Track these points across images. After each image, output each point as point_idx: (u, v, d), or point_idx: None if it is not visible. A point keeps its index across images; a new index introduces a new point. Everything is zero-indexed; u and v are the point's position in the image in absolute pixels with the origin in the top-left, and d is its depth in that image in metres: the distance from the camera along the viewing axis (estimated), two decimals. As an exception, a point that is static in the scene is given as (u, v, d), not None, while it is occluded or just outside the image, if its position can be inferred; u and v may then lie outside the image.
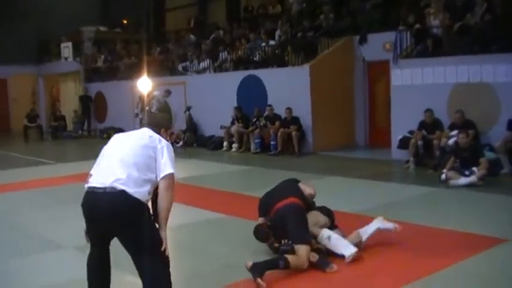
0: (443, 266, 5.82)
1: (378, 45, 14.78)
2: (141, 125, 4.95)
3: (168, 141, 4.71)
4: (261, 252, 6.38)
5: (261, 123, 16.01)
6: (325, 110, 15.40)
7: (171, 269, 4.46)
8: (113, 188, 4.28)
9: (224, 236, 7.31)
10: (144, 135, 4.65)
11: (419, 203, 9.10)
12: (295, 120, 15.22)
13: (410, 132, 12.48)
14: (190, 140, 18.37)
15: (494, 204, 8.77)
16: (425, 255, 6.20)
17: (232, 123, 16.99)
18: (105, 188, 4.30)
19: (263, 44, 17.87)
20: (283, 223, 6.07)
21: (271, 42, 17.86)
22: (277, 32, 18.01)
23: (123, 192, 4.25)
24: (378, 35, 14.93)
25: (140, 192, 4.31)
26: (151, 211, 4.48)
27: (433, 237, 7.00)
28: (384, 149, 14.17)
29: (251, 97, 16.90)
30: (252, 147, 16.29)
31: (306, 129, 15.39)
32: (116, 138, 4.77)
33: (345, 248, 6.10)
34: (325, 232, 6.25)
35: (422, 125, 12.18)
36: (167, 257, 4.41)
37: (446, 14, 12.92)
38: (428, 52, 12.98)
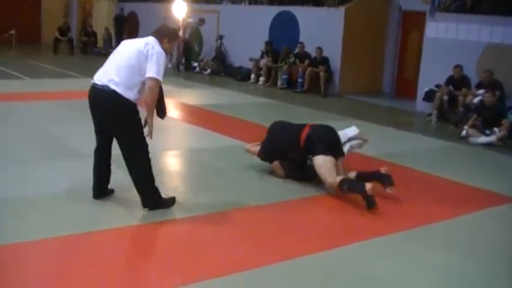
0: (448, 216, 6.04)
1: (416, -5, 14.68)
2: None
3: (166, 50, 5.41)
4: (270, 178, 6.67)
5: (291, 60, 16.08)
6: (355, 54, 15.41)
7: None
8: (107, 86, 5.15)
9: (240, 160, 7.54)
10: (142, 42, 5.32)
11: (436, 155, 9.25)
12: (325, 61, 15.28)
13: (437, 86, 12.53)
14: (218, 69, 18.51)
15: (510, 165, 8.92)
16: (432, 204, 6.43)
17: (262, 56, 17.07)
18: (102, 86, 5.19)
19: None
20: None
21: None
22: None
23: (114, 91, 5.12)
24: (418, -15, 14.80)
25: (130, 93, 5.17)
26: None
27: (444, 188, 7.22)
28: (409, 99, 14.24)
29: (283, 33, 16.92)
30: (279, 82, 16.42)
31: (334, 70, 15.46)
32: (122, 44, 5.55)
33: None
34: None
35: (449, 80, 12.21)
36: (147, 145, 5.37)
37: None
38: (466, 8, 12.89)
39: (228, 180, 6.84)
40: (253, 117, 11.17)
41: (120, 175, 5.87)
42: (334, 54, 15.35)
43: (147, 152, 5.39)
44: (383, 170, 6.64)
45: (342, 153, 6.72)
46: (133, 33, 23.83)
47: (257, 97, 14.50)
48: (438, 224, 5.80)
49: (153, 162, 6.18)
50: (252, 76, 17.26)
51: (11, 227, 5.02)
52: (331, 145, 6.59)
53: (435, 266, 4.75)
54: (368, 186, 5.98)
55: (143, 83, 5.20)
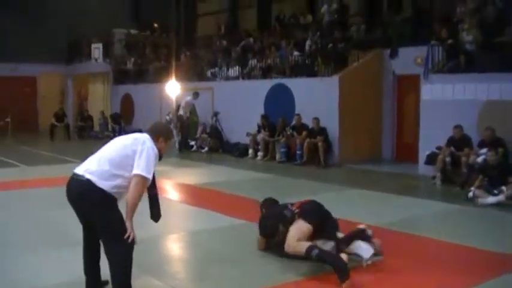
0: (466, 285, 5.69)
1: (408, 59, 14.65)
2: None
3: (161, 150, 5.10)
4: (285, 260, 6.34)
5: (288, 132, 15.95)
6: (353, 122, 15.31)
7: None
8: (82, 176, 4.88)
9: (245, 242, 7.21)
10: (131, 137, 5.09)
11: (445, 220, 8.98)
12: (322, 131, 15.14)
13: (438, 148, 12.33)
14: (215, 146, 18.37)
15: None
16: (447, 273, 6.09)
17: (259, 131, 16.95)
18: (77, 175, 4.93)
19: (295, 53, 17.78)
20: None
21: (296, 53, 17.79)
22: (308, 42, 17.92)
23: (88, 180, 4.82)
24: (409, 49, 14.80)
25: (105, 183, 4.82)
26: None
27: (457, 254, 6.90)
28: (410, 163, 14.03)
29: (279, 106, 16.85)
30: (278, 155, 16.23)
31: (333, 140, 15.29)
32: (112, 140, 5.26)
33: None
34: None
35: (450, 141, 12.02)
36: (131, 243, 4.80)
37: (479, 30, 12.78)
38: (460, 68, 12.83)
39: (229, 265, 6.47)
40: (252, 193, 10.90)
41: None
42: (332, 123, 15.23)
43: (127, 249, 4.85)
44: (363, 226, 6.46)
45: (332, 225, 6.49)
46: (129, 115, 23.94)
47: (256, 172, 14.27)
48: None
49: (152, 247, 5.92)
50: (250, 151, 17.09)
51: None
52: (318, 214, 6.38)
53: None
54: (344, 256, 5.72)
55: (122, 178, 4.88)
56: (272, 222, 6.52)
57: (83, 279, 5.37)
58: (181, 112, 19.10)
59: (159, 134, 5.17)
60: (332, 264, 5.68)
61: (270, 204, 7.27)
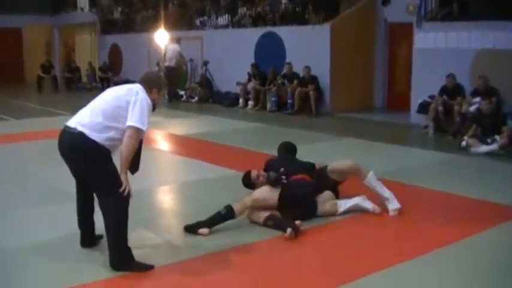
0: (460, 236, 5.64)
1: (401, 7, 14.41)
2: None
3: (155, 101, 4.99)
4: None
5: (279, 81, 15.79)
6: (344, 71, 15.15)
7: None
8: (74, 128, 4.74)
9: (237, 192, 7.10)
10: (124, 88, 4.96)
11: (439, 169, 8.94)
12: (314, 80, 14.98)
13: (431, 96, 12.22)
14: (205, 96, 18.20)
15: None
16: (441, 223, 6.04)
17: (249, 80, 16.77)
18: (69, 128, 4.79)
19: (284, 1, 17.49)
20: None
21: (285, 1, 17.48)
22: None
23: (80, 133, 4.68)
24: (402, -4, 14.59)
25: (98, 136, 4.68)
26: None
27: (451, 204, 6.85)
28: (402, 112, 13.94)
29: (269, 54, 16.65)
30: (268, 105, 16.10)
31: (324, 89, 15.17)
32: (105, 91, 5.11)
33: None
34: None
35: (443, 90, 11.91)
36: (126, 197, 4.70)
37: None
38: (454, 16, 12.64)
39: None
40: (245, 143, 10.84)
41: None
42: (323, 72, 15.06)
43: (122, 204, 4.73)
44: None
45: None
46: (117, 65, 23.64)
47: (247, 122, 14.16)
48: (450, 246, 5.40)
49: (143, 199, 5.83)
50: (241, 101, 16.93)
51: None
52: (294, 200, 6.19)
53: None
54: (297, 222, 5.70)
55: (115, 130, 4.75)
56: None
57: (76, 234, 5.31)
58: (167, 62, 18.79)
59: (152, 84, 5.02)
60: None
61: (281, 151, 7.25)
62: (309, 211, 6.19)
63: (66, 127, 4.85)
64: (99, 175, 4.76)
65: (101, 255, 5.02)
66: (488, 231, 5.78)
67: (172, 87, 18.50)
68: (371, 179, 6.40)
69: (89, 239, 5.26)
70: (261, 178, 6.39)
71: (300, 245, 5.44)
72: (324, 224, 6.04)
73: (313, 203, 6.23)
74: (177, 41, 19.05)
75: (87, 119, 4.76)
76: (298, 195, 6.17)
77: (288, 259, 5.10)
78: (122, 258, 4.76)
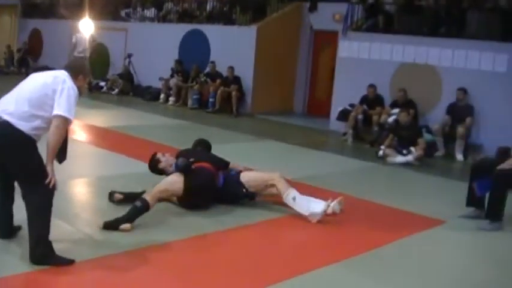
0: (380, 243, 5.79)
1: (327, 14, 14.68)
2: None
3: (81, 88, 4.87)
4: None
5: (202, 79, 15.74)
6: (267, 74, 15.25)
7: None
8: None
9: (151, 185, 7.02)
10: (50, 75, 4.78)
11: (356, 176, 9.11)
12: (237, 80, 15.03)
13: (351, 105, 12.47)
14: (126, 88, 17.93)
15: (430, 184, 8.91)
16: (361, 229, 6.19)
17: (172, 76, 16.64)
18: None
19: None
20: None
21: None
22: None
23: (5, 122, 4.50)
24: (329, 4, 14.82)
25: (24, 125, 4.51)
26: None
27: (371, 212, 7.00)
28: (322, 118, 14.18)
29: (194, 52, 16.58)
30: (190, 102, 16.02)
31: (246, 90, 15.23)
32: (29, 76, 4.95)
33: (316, 204, 6.26)
34: (291, 192, 6.30)
35: (364, 100, 12.20)
36: (51, 189, 4.59)
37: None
38: (379, 28, 12.96)
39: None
40: (164, 139, 10.73)
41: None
42: (246, 73, 15.13)
43: (46, 195, 4.61)
44: None
45: None
46: (37, 50, 22.97)
47: (168, 118, 14.06)
48: (371, 252, 5.53)
49: (61, 191, 5.67)
50: (162, 96, 16.79)
51: None
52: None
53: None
54: None
55: (42, 119, 4.60)
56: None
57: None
58: (76, 53, 18.26)
59: (78, 71, 4.90)
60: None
61: (195, 145, 7.42)
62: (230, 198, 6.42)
63: None
64: (24, 166, 4.62)
65: (18, 247, 4.85)
66: (400, 241, 5.94)
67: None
68: (288, 199, 6.34)
69: (7, 230, 5.06)
70: (168, 162, 6.72)
71: (221, 245, 5.43)
72: (245, 225, 6.06)
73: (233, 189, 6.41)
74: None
75: (12, 107, 4.58)
76: (199, 183, 6.24)
77: (207, 258, 5.08)
78: (43, 252, 4.58)
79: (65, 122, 4.60)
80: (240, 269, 4.92)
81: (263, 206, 6.66)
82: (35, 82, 4.76)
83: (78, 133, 11.21)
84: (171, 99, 16.48)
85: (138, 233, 5.52)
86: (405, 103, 11.33)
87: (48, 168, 4.56)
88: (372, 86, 12.07)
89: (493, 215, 6.44)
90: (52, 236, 4.68)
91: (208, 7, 17.50)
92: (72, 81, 4.74)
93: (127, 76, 18.14)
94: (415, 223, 6.60)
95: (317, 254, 5.42)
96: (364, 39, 12.95)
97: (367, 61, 12.80)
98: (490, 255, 5.86)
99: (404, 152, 10.08)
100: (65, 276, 4.50)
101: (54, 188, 4.60)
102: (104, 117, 13.45)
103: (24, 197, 4.64)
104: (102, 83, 18.66)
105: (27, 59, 22.13)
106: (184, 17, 17.83)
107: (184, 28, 17.15)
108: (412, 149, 10.05)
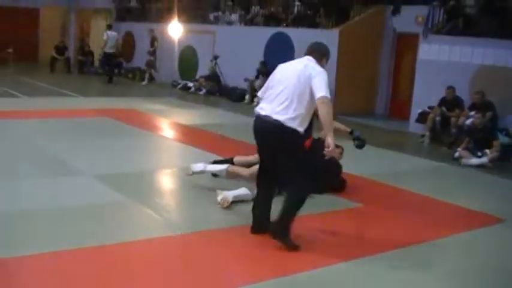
0: (438, 236, 6.07)
1: (409, 17, 14.79)
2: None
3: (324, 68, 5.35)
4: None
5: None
6: (350, 76, 15.47)
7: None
8: (269, 116, 5.16)
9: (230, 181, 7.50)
10: (301, 65, 5.32)
11: (429, 176, 9.30)
12: (319, 82, 15.31)
13: (430, 107, 12.60)
14: (213, 89, 18.57)
15: (501, 186, 8.98)
16: (424, 224, 6.47)
17: (257, 77, 17.14)
18: (265, 117, 5.20)
19: (297, 3, 17.88)
20: None
21: (298, 3, 17.87)
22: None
23: (277, 121, 5.10)
24: (411, 7, 14.92)
25: (291, 120, 5.10)
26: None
27: (436, 208, 7.25)
28: (402, 120, 14.33)
29: (278, 54, 16.99)
30: (273, 103, 16.41)
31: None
32: (280, 70, 5.49)
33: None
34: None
35: (442, 102, 12.28)
36: (311, 181, 5.35)
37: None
38: (459, 30, 13.01)
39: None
40: (247, 137, 11.16)
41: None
42: (329, 75, 15.33)
43: (307, 183, 5.33)
44: None
45: None
46: (129, 53, 23.98)
47: (252, 117, 14.46)
48: (428, 243, 5.83)
49: (147, 180, 6.24)
50: (247, 97, 17.32)
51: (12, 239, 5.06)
52: None
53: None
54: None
55: (306, 109, 5.16)
56: None
57: (92, 204, 5.75)
58: (107, 49, 20.39)
59: (323, 55, 5.51)
60: None
61: None
62: None
63: (262, 116, 5.26)
64: (293, 156, 5.21)
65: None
66: (463, 234, 6.22)
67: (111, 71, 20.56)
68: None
69: (262, 221, 5.59)
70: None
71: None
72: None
73: None
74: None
75: (278, 106, 5.16)
76: None
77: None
78: (284, 230, 5.25)
79: (328, 99, 5.10)
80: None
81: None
82: (291, 76, 5.25)
83: (165, 130, 11.90)
84: (256, 100, 16.91)
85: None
86: (482, 105, 11.34)
87: (330, 140, 5.00)
88: (450, 88, 12.13)
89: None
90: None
91: (294, 10, 17.90)
92: (318, 64, 5.33)
93: (214, 77, 18.80)
94: (476, 219, 6.84)
95: (372, 242, 5.77)
96: (444, 41, 13.03)
97: (447, 63, 12.87)
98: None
99: (479, 154, 10.18)
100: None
101: (313, 176, 5.42)
102: (189, 115, 14.07)
103: (287, 183, 5.33)
104: (191, 84, 19.42)
105: (121, 61, 23.17)
106: (270, 20, 18.31)
107: (269, 31, 17.64)
108: (487, 151, 10.14)
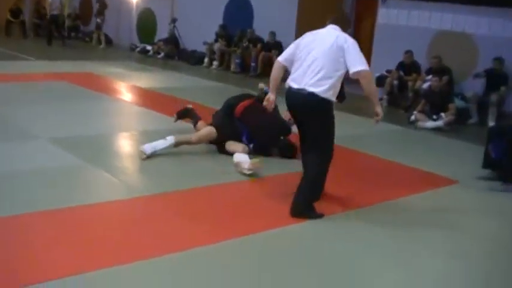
0: (392, 197, 6.21)
1: (368, -19, 14.83)
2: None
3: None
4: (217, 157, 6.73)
5: (244, 44, 16.10)
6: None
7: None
8: (304, 90, 5.15)
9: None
10: (332, 35, 5.28)
11: (385, 139, 9.44)
12: (278, 45, 15.34)
13: (388, 71, 12.71)
14: (171, 53, 18.40)
15: (456, 149, 9.14)
16: (378, 186, 6.59)
17: (216, 40, 17.05)
18: (299, 90, 5.19)
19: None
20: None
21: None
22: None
23: (312, 94, 5.10)
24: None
25: (326, 91, 5.13)
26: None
27: (392, 170, 7.38)
28: (359, 84, 14.35)
29: (237, 17, 16.92)
30: (232, 66, 16.44)
31: (287, 55, 15.45)
32: (308, 40, 5.41)
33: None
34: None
35: (400, 66, 12.42)
36: (331, 151, 5.43)
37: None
38: (417, -5, 13.10)
39: (177, 162, 6.85)
40: (206, 100, 11.15)
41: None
42: (288, 38, 15.33)
43: (331, 148, 5.42)
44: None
45: None
46: (88, 15, 23.50)
47: (210, 81, 14.48)
48: (381, 204, 5.95)
49: (105, 143, 6.18)
50: (206, 60, 17.23)
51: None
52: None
53: (376, 245, 4.90)
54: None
55: (336, 79, 5.18)
56: None
57: (47, 168, 5.73)
58: (53, 11, 20.43)
59: (348, 25, 5.65)
60: None
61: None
62: None
63: (293, 88, 5.25)
64: (324, 125, 5.34)
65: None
66: (419, 195, 6.36)
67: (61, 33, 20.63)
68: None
69: None
70: None
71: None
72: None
73: None
74: None
75: (311, 79, 5.15)
76: None
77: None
78: (308, 205, 5.33)
79: (368, 71, 5.25)
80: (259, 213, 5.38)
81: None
82: (321, 46, 5.24)
83: (124, 93, 11.78)
84: (215, 63, 16.91)
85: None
86: (439, 70, 11.49)
87: (378, 110, 5.38)
88: (408, 52, 12.25)
89: (506, 176, 6.72)
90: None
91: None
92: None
93: (172, 40, 18.61)
94: (430, 181, 6.97)
95: (333, 202, 5.83)
96: (403, 6, 13.09)
97: (405, 28, 12.96)
98: (495, 208, 6.22)
99: (435, 117, 10.32)
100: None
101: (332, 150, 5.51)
102: (148, 79, 13.96)
103: (314, 148, 5.41)
104: (149, 47, 19.21)
105: (78, 25, 22.78)
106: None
107: (229, -7, 17.51)
108: (442, 114, 10.28)
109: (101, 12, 21.48)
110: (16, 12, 22.89)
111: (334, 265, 4.45)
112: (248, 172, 6.42)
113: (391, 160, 7.76)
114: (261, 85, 7.94)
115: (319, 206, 5.47)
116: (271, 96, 5.55)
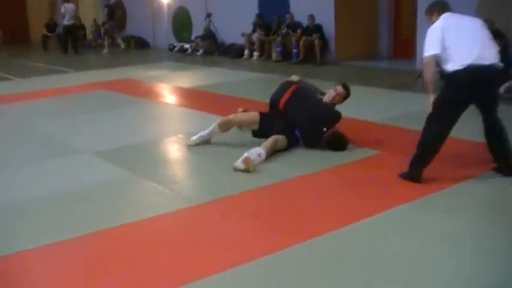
0: (459, 179, 5.74)
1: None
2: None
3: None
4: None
5: (283, 31, 15.73)
6: (349, 18, 15.01)
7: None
8: (494, 65, 5.41)
9: (244, 141, 7.16)
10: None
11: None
12: (318, 28, 14.92)
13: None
14: (210, 48, 18.14)
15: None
16: (444, 167, 6.07)
17: (254, 30, 16.72)
18: (480, 64, 5.30)
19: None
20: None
21: None
22: None
23: (491, 65, 5.39)
24: None
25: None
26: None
27: (455, 147, 6.88)
28: (407, 59, 13.89)
29: (272, 4, 16.54)
30: (274, 55, 16.08)
31: (329, 37, 15.09)
32: (454, 23, 5.65)
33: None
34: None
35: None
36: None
37: None
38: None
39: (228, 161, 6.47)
40: (251, 93, 10.84)
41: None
42: (327, 20, 14.96)
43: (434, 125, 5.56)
44: None
45: None
46: (122, 23, 23.48)
47: (253, 72, 14.16)
48: (450, 188, 5.51)
49: (151, 151, 5.91)
50: (246, 52, 16.91)
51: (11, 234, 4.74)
52: None
53: (450, 235, 4.48)
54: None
55: None
56: None
57: (96, 184, 5.52)
58: (66, 21, 20.35)
59: (433, 10, 6.02)
60: None
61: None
62: None
63: (484, 65, 5.31)
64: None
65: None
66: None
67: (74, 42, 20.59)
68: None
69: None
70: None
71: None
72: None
73: None
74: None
75: (487, 52, 5.39)
76: None
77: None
78: (411, 165, 5.60)
79: (427, 59, 5.48)
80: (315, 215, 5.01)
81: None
82: (473, 26, 5.61)
83: (166, 95, 11.55)
84: (255, 54, 16.59)
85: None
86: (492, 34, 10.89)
87: (430, 98, 5.54)
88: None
89: None
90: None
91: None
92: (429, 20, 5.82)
93: (210, 36, 18.34)
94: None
95: (401, 190, 5.43)
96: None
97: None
98: None
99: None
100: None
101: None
102: (190, 78, 13.72)
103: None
104: (187, 46, 19.00)
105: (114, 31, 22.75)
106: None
107: (261, -19, 17.11)
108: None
109: (111, 17, 21.69)
110: (52, 27, 22.98)
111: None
112: (241, 167, 6.05)
113: (454, 136, 7.26)
114: (294, 77, 7.48)
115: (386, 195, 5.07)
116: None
